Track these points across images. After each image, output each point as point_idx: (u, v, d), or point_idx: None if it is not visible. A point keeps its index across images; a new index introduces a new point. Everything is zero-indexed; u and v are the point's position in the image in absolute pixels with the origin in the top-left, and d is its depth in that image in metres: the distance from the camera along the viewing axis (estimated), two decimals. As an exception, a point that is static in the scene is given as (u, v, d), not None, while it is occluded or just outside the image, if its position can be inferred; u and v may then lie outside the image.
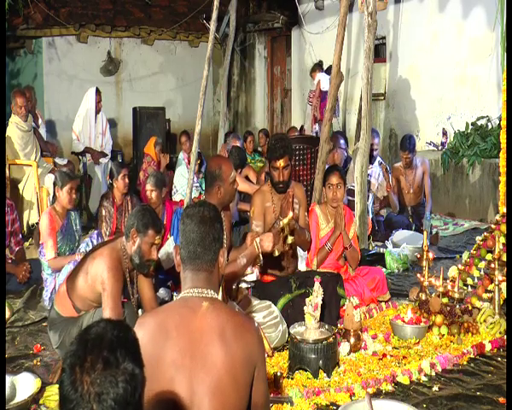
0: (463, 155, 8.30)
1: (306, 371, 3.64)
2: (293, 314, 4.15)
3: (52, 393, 3.38)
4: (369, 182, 6.76)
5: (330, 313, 4.30)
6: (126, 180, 5.76)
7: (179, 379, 1.86)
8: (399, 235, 6.66)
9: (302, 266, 4.91)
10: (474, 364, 3.87)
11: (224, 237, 2.19)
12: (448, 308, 4.34)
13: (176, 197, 7.73)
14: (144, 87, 12.11)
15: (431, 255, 4.67)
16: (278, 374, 3.46)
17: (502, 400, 3.34)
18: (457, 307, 4.42)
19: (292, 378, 3.60)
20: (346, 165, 7.37)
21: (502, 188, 5.36)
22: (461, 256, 5.63)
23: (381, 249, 6.26)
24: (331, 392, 3.39)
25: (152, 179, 5.63)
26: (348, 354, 3.91)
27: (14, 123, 7.05)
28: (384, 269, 5.65)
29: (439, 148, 8.97)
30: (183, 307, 2.00)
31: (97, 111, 8.29)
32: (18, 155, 7.10)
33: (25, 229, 6.93)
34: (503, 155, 5.33)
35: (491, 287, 4.63)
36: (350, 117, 10.55)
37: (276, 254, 3.91)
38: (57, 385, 3.48)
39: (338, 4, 7.32)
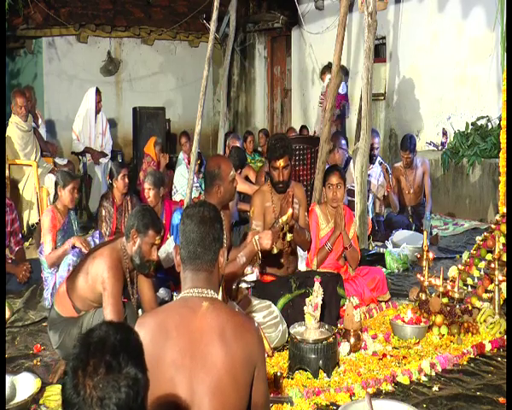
0: (463, 155, 8.30)
1: (306, 371, 3.64)
2: (293, 314, 4.15)
3: (52, 393, 3.38)
4: (369, 182, 6.76)
5: (330, 313, 4.30)
6: (126, 180, 5.76)
7: (179, 379, 1.86)
8: (399, 235, 6.66)
9: (302, 266, 4.91)
10: (474, 364, 3.87)
11: (224, 236, 2.19)
12: (448, 308, 4.34)
13: (176, 197, 7.73)
14: (144, 87, 12.11)
15: (431, 255, 4.67)
16: (278, 374, 3.46)
17: (502, 400, 3.34)
18: (457, 307, 4.42)
19: (292, 378, 3.60)
20: (347, 165, 7.37)
21: (502, 188, 5.36)
22: (461, 256, 5.63)
23: (381, 249, 6.26)
24: (331, 392, 3.39)
25: (150, 178, 5.61)
26: (348, 354, 3.91)
27: (14, 123, 7.05)
28: (384, 269, 5.65)
29: (439, 148, 8.97)
30: (183, 307, 2.00)
31: (97, 111, 8.29)
32: (18, 155, 7.10)
33: (25, 229, 6.93)
34: (503, 155, 5.33)
35: (491, 287, 4.63)
36: (350, 117, 10.55)
37: (275, 251, 3.91)
38: (57, 385, 3.49)
39: (338, 4, 7.32)
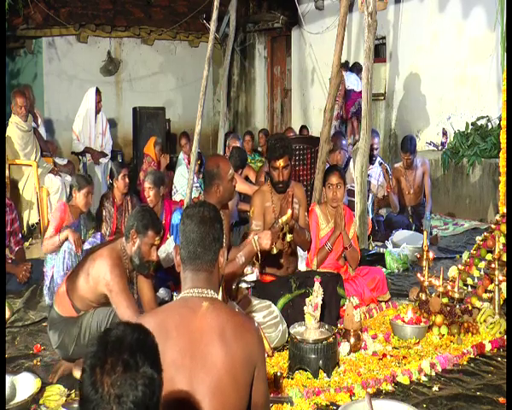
0: (463, 155, 8.30)
1: (306, 371, 3.64)
2: (293, 314, 4.15)
3: (52, 393, 3.38)
4: (369, 182, 6.76)
5: (330, 313, 4.30)
6: (126, 180, 5.76)
7: (179, 379, 1.86)
8: (399, 235, 6.66)
9: (302, 266, 4.91)
10: (474, 364, 3.87)
11: (224, 236, 2.20)
12: (448, 308, 4.34)
13: (176, 197, 7.73)
14: (144, 87, 12.11)
15: (431, 255, 4.67)
16: (278, 374, 3.46)
17: (502, 400, 3.34)
18: (457, 307, 4.42)
19: (292, 378, 3.60)
20: (347, 165, 7.38)
21: (502, 188, 5.36)
22: (461, 256, 5.63)
23: (381, 249, 6.26)
24: (331, 392, 3.39)
25: (150, 177, 5.62)
26: (348, 354, 3.91)
27: (14, 123, 7.05)
28: (384, 269, 5.65)
29: (439, 148, 8.98)
30: (183, 307, 2.00)
31: (97, 111, 8.29)
32: (18, 155, 7.10)
33: (25, 229, 6.93)
34: (503, 155, 5.33)
35: (491, 287, 4.63)
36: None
37: (275, 251, 3.91)
38: (57, 385, 3.50)
39: (338, 4, 7.32)
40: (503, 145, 5.32)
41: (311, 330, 3.70)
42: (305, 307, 3.74)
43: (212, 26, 7.00)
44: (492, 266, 4.55)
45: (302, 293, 4.24)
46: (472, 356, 3.95)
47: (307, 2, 11.01)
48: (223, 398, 1.87)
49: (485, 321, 4.31)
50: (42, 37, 10.89)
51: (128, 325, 1.43)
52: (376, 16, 6.17)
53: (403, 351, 4.02)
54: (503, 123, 5.29)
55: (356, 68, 9.40)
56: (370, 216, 6.71)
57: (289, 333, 3.84)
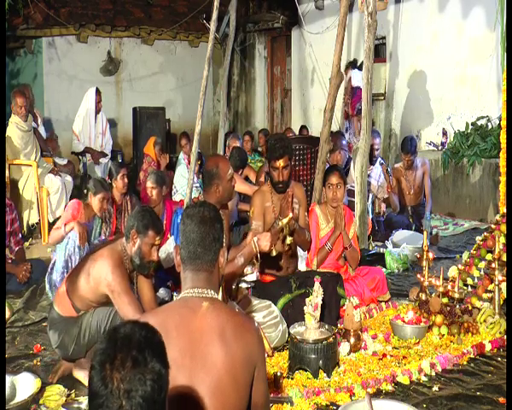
0: (463, 155, 8.30)
1: (306, 371, 3.64)
2: (293, 314, 4.15)
3: (52, 393, 3.38)
4: (369, 183, 6.76)
5: (330, 313, 4.30)
6: (125, 180, 5.76)
7: (179, 379, 1.86)
8: (399, 235, 6.66)
9: (302, 266, 4.91)
10: (474, 364, 3.87)
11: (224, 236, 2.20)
12: (448, 308, 4.34)
13: (176, 197, 7.73)
14: (144, 87, 12.11)
15: (431, 255, 4.67)
16: (278, 374, 3.46)
17: (502, 400, 3.35)
18: (457, 307, 4.42)
19: (292, 378, 3.60)
20: (347, 165, 7.38)
21: (502, 188, 5.37)
22: (461, 256, 5.63)
23: (381, 249, 6.26)
24: (331, 392, 3.39)
25: (153, 177, 5.64)
26: (348, 354, 3.91)
27: (14, 123, 7.05)
28: (384, 269, 5.65)
29: (439, 148, 8.97)
30: (183, 308, 2.00)
31: (97, 111, 8.29)
32: (18, 155, 7.10)
33: (25, 229, 6.94)
34: (503, 155, 5.34)
35: (491, 287, 4.63)
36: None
37: (274, 253, 3.91)
38: (57, 385, 3.50)
39: (338, 4, 7.31)
40: (503, 145, 5.32)
41: (311, 330, 3.70)
42: (305, 307, 3.74)
43: (212, 26, 7.00)
44: (492, 266, 4.55)
45: (302, 293, 4.24)
46: (472, 356, 3.95)
47: (307, 2, 11.00)
48: (223, 398, 1.87)
49: (485, 321, 4.31)
50: (42, 37, 10.89)
51: (136, 323, 1.46)
52: (376, 16, 6.17)
53: (403, 351, 4.02)
54: (503, 123, 5.30)
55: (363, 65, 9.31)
56: (370, 216, 6.71)
57: (289, 333, 3.84)
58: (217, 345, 1.90)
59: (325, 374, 3.62)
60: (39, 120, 8.21)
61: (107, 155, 8.35)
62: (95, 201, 5.21)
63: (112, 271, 3.46)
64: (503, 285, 4.46)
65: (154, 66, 12.33)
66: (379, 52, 9.95)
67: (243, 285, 4.24)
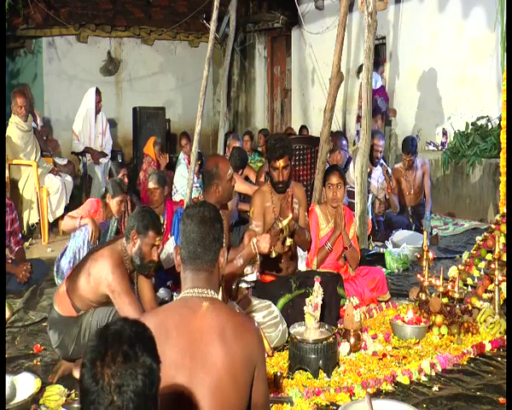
0: (463, 155, 8.30)
1: (306, 371, 3.64)
2: (293, 314, 4.15)
3: (52, 393, 3.38)
4: (369, 183, 6.76)
5: (330, 313, 4.30)
6: (126, 180, 5.77)
7: (179, 379, 1.86)
8: (399, 235, 6.66)
9: (302, 266, 4.91)
10: (474, 364, 3.87)
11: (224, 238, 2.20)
12: (448, 308, 4.34)
13: (176, 197, 7.73)
14: (144, 87, 12.11)
15: (431, 255, 4.67)
16: (278, 374, 3.46)
17: (502, 400, 3.34)
18: (457, 307, 4.42)
19: (292, 378, 3.60)
20: (347, 165, 7.38)
21: (502, 188, 5.37)
22: (461, 256, 5.63)
23: (381, 249, 6.26)
24: (331, 392, 3.39)
25: (154, 177, 5.65)
26: (348, 354, 3.91)
27: (14, 123, 7.05)
28: (384, 269, 5.65)
29: (439, 148, 8.97)
30: (183, 307, 2.00)
31: (97, 111, 8.29)
32: (18, 155, 7.10)
33: (25, 229, 6.94)
34: (503, 155, 5.34)
35: (491, 287, 4.63)
36: (350, 117, 10.55)
37: (274, 255, 3.91)
38: (57, 385, 3.49)
39: (338, 4, 7.31)
40: (503, 145, 5.32)
41: (311, 330, 3.70)
42: (305, 307, 3.74)
43: (212, 26, 7.00)
44: (492, 266, 4.55)
45: (302, 293, 4.24)
46: (472, 356, 3.95)
47: (307, 2, 11.01)
48: (223, 398, 1.87)
49: (485, 321, 4.31)
50: (42, 37, 10.89)
51: (126, 320, 1.46)
52: (376, 16, 6.17)
53: (403, 351, 4.02)
54: (503, 123, 5.30)
55: (375, 66, 9.14)
56: (370, 216, 6.71)
57: (289, 333, 3.84)
58: (217, 345, 1.90)
59: (325, 374, 3.62)
60: (38, 120, 8.21)
61: (107, 155, 8.35)
62: (113, 203, 5.29)
63: (112, 271, 3.46)
64: (503, 285, 4.46)
65: (154, 66, 12.33)
66: (379, 52, 9.95)
67: (243, 285, 4.24)
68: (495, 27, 7.42)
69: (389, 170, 7.34)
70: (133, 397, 1.33)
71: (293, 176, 5.15)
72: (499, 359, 3.93)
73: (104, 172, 8.12)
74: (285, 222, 4.07)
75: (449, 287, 4.48)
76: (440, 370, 3.74)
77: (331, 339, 3.67)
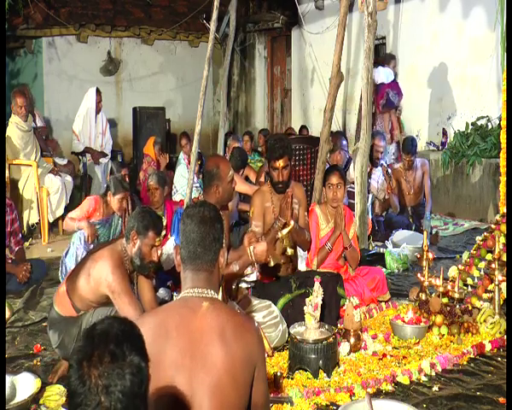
0: (463, 155, 8.30)
1: (306, 371, 3.64)
2: (293, 314, 4.15)
3: (52, 393, 3.38)
4: (369, 184, 6.76)
5: (330, 313, 4.30)
6: (126, 180, 5.77)
7: (179, 379, 1.86)
8: (399, 235, 6.66)
9: (302, 266, 4.91)
10: (474, 364, 3.87)
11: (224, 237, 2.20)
12: (448, 308, 4.34)
13: (176, 197, 7.73)
14: (144, 87, 12.11)
15: (431, 255, 4.67)
16: (278, 374, 3.46)
17: (502, 400, 3.34)
18: (457, 307, 4.42)
19: (292, 378, 3.60)
20: (347, 165, 7.37)
21: (502, 188, 5.36)
22: (461, 256, 5.63)
23: (381, 249, 6.26)
24: (331, 392, 3.39)
25: (154, 177, 5.66)
26: (348, 354, 3.91)
27: (14, 123, 7.05)
28: (384, 269, 5.65)
29: (439, 148, 8.97)
30: (183, 307, 2.00)
31: (97, 111, 8.29)
32: (18, 155, 7.10)
33: (25, 229, 6.94)
34: (503, 155, 5.34)
35: (491, 287, 4.63)
36: (350, 117, 10.55)
37: (272, 264, 3.89)
38: (57, 385, 3.49)
39: (338, 4, 7.31)
40: (503, 145, 5.32)
41: (311, 330, 3.70)
42: (305, 307, 3.74)
43: (212, 26, 7.00)
44: (492, 266, 4.55)
45: (302, 293, 4.24)
46: (472, 356, 3.95)
47: (307, 2, 11.00)
48: (222, 398, 1.87)
49: (485, 321, 4.31)
50: (42, 37, 10.89)
51: (114, 318, 1.44)
52: (376, 16, 6.16)
53: (403, 351, 4.02)
54: (503, 123, 5.29)
55: (386, 60, 9.07)
56: (370, 216, 6.71)
57: (289, 333, 3.84)
58: (217, 345, 1.90)
59: (325, 374, 3.62)
60: (38, 120, 8.21)
61: (107, 155, 8.35)
62: (114, 200, 5.27)
63: (112, 271, 3.46)
64: (503, 285, 4.46)
65: (154, 66, 12.33)
66: (379, 52, 9.95)
67: (243, 285, 4.24)
68: (495, 27, 7.43)
69: (389, 170, 7.34)
70: (121, 397, 1.30)
71: (293, 176, 5.15)
72: (499, 359, 3.93)
73: (104, 172, 8.12)
74: (285, 231, 4.07)
75: (449, 287, 4.48)
76: (440, 370, 3.74)
77: (331, 339, 3.67)
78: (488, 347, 4.06)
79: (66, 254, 5.19)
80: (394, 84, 8.75)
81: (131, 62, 12.07)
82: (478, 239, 5.35)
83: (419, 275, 4.68)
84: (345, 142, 7.75)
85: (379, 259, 5.98)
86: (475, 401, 3.35)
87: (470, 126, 8.56)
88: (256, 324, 2.25)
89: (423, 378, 3.63)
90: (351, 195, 6.44)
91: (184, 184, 7.50)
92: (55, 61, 11.07)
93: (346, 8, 6.32)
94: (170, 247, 4.83)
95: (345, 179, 5.02)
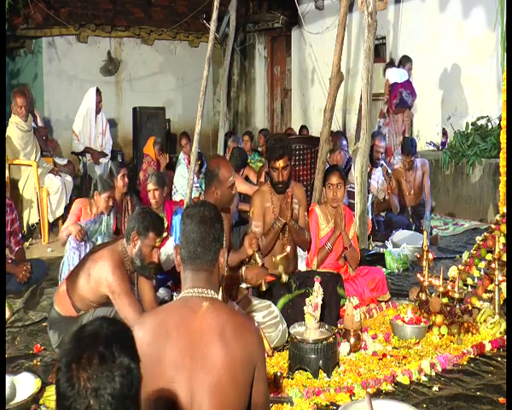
0: (463, 155, 8.30)
1: (306, 371, 3.64)
2: (293, 314, 4.15)
3: (52, 393, 3.37)
4: (369, 183, 6.75)
5: (330, 313, 4.30)
6: (126, 180, 5.77)
7: (179, 379, 1.86)
8: (399, 235, 6.66)
9: (302, 266, 4.91)
10: (474, 364, 3.87)
11: (224, 238, 2.20)
12: (448, 308, 4.34)
13: (176, 197, 7.73)
14: (144, 87, 12.11)
15: (431, 255, 4.67)
16: (278, 374, 3.46)
17: (502, 400, 3.35)
18: (457, 307, 4.42)
19: (292, 378, 3.60)
20: (347, 165, 7.37)
21: (502, 188, 5.36)
22: (461, 256, 5.63)
23: (381, 249, 6.26)
24: (331, 392, 3.39)
25: (154, 178, 5.66)
26: (348, 354, 3.91)
27: (14, 123, 7.05)
28: (384, 269, 5.65)
29: (439, 148, 8.97)
30: (183, 307, 2.00)
31: (97, 111, 8.29)
32: (18, 155, 7.10)
33: (25, 229, 6.93)
34: (503, 155, 5.34)
35: (491, 287, 4.63)
36: (350, 117, 10.55)
37: (264, 288, 3.95)
38: (57, 385, 3.49)
39: (338, 4, 7.31)
40: (503, 145, 5.32)
41: (311, 330, 3.70)
42: (305, 307, 3.74)
43: (212, 26, 7.00)
44: (492, 266, 4.55)
45: (302, 293, 4.24)
46: (472, 356, 3.95)
47: (307, 2, 11.01)
48: (222, 398, 1.87)
49: (485, 321, 4.31)
50: (42, 37, 10.89)
51: (104, 319, 1.41)
52: (376, 16, 6.16)
53: (403, 351, 4.02)
54: (503, 123, 5.29)
55: (402, 62, 9.04)
56: (370, 216, 6.71)
57: (289, 333, 3.84)
58: (217, 345, 1.90)
59: (325, 374, 3.62)
60: (38, 120, 8.21)
61: (107, 155, 8.35)
62: (100, 199, 5.26)
63: (112, 272, 3.46)
64: (503, 285, 4.46)
65: (154, 66, 12.33)
66: (379, 52, 9.95)
67: (243, 285, 4.24)
68: (495, 27, 7.42)
69: (389, 170, 7.34)
70: (111, 400, 1.28)
71: (293, 176, 5.15)
72: (499, 359, 3.93)
73: (104, 172, 8.11)
74: (279, 257, 4.18)
75: (449, 287, 4.48)
76: (440, 370, 3.74)
77: (331, 339, 3.67)
78: (488, 347, 4.06)
79: (62, 265, 5.16)
80: (408, 84, 8.71)
81: (131, 62, 12.07)
82: (478, 239, 5.35)
83: (419, 275, 4.68)
84: (345, 142, 7.75)
85: (379, 259, 5.98)
86: (475, 401, 3.35)
87: (470, 126, 8.56)
88: (256, 324, 2.25)
89: (423, 378, 3.63)
90: (351, 195, 6.44)
91: (184, 184, 7.50)
92: (55, 61, 11.07)
93: (346, 8, 6.32)
94: (170, 247, 4.83)
95: (345, 179, 5.02)
